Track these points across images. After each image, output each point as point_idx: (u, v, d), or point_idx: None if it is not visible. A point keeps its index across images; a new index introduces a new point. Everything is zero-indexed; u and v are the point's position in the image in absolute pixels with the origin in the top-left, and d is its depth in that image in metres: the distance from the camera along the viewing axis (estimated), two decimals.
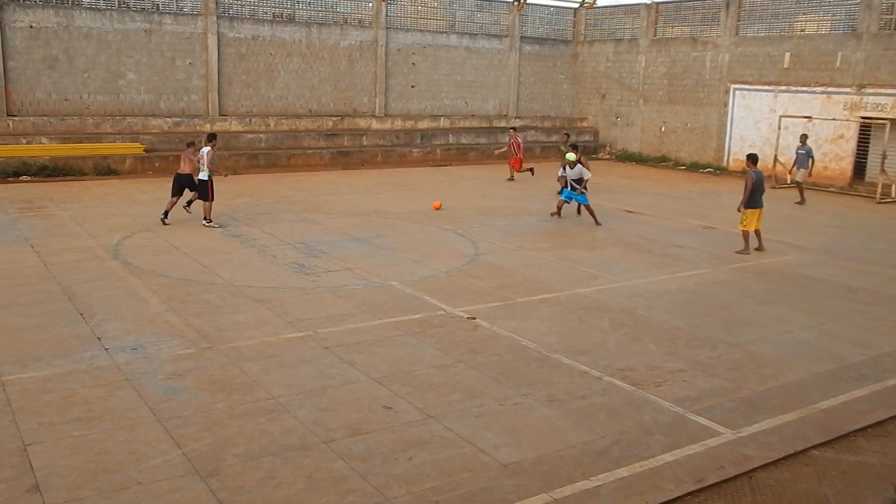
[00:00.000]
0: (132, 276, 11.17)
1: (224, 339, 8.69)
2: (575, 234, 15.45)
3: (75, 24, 21.98)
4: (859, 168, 23.13)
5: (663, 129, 28.74)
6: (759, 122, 25.57)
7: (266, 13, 25.23)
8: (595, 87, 31.25)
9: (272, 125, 25.20)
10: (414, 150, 26.83)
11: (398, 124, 27.74)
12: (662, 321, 9.96)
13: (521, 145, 22.67)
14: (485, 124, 29.73)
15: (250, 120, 24.83)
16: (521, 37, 30.27)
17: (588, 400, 7.42)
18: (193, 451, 6.13)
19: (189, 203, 15.20)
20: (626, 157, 29.49)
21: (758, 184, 13.81)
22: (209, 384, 7.44)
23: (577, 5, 31.60)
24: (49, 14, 21.61)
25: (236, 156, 23.05)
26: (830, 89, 23.58)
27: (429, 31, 28.42)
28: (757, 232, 14.11)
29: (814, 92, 23.95)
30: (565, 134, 23.60)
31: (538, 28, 31.17)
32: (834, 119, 23.22)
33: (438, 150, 27.26)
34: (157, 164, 21.81)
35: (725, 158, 26.73)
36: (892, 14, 22.54)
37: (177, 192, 14.91)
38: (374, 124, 27.26)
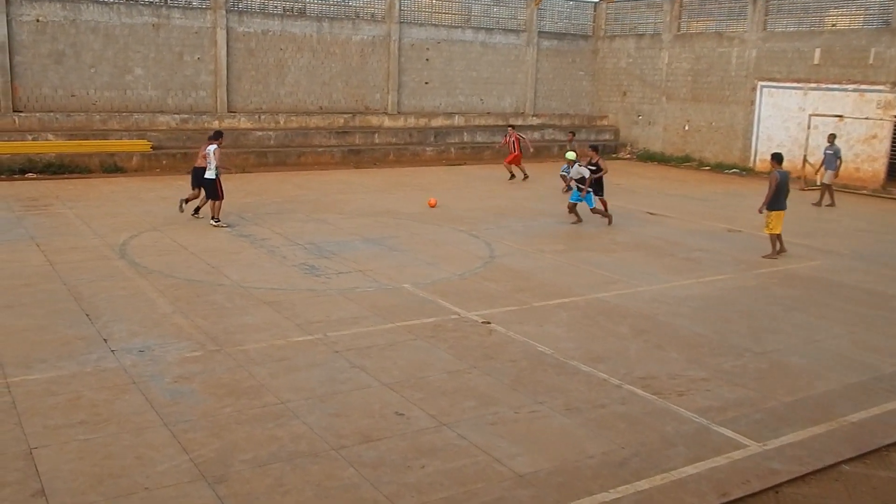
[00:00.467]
0: (139, 276, 11.28)
1: (232, 341, 8.75)
2: (593, 236, 15.43)
3: (82, 17, 22.19)
4: (893, 169, 22.94)
5: (687, 127, 28.64)
6: (787, 121, 25.43)
7: (276, 7, 25.38)
8: (616, 85, 31.19)
9: (282, 122, 25.33)
10: (427, 149, 26.88)
11: (411, 122, 27.81)
12: (685, 328, 9.94)
13: (521, 143, 22.47)
14: (501, 122, 29.69)
15: (259, 117, 24.97)
16: (539, 32, 30.26)
17: (607, 409, 7.42)
18: (201, 457, 6.18)
19: (197, 210, 15.34)
20: (648, 157, 29.41)
21: (782, 185, 13.74)
22: (217, 388, 7.50)
23: None
24: (56, 8, 21.84)
25: (245, 154, 23.19)
26: (863, 87, 23.41)
27: (443, 25, 28.48)
28: (777, 235, 14.04)
29: (845, 90, 23.79)
30: (570, 132, 23.53)
31: (556, 23, 31.15)
32: (867, 118, 23.06)
33: (453, 149, 27.29)
34: (164, 162, 21.97)
35: (752, 159, 26.60)
36: None
37: (196, 184, 15.30)
38: (387, 122, 27.34)
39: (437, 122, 28.29)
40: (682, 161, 28.37)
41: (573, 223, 16.40)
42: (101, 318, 9.34)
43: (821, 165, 20.69)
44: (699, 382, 8.15)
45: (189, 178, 15.85)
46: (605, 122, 31.60)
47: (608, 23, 31.64)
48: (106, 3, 22.54)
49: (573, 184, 16.66)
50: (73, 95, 22.40)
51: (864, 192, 22.70)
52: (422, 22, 27.97)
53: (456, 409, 7.27)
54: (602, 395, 7.74)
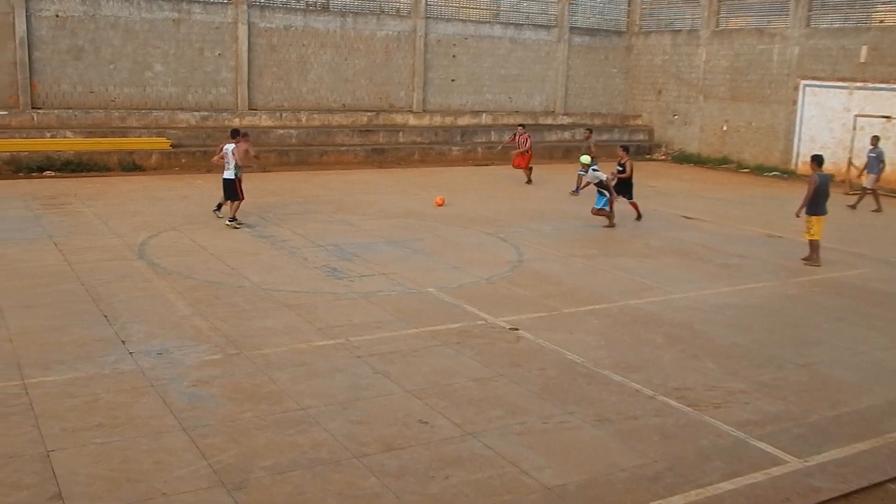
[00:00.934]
0: (158, 277, 11.42)
1: (252, 345, 8.83)
2: (627, 241, 15.36)
3: (102, 12, 22.52)
4: None
5: (725, 128, 28.42)
6: (831, 121, 25.13)
7: (299, 2, 25.58)
8: (650, 82, 31.03)
9: (304, 120, 25.50)
10: (453, 149, 26.92)
11: (437, 120, 27.86)
12: (722, 337, 9.86)
13: (529, 142, 22.23)
14: (530, 121, 29.61)
15: (281, 115, 25.17)
16: (571, 27, 30.21)
17: (640, 421, 7.38)
18: (220, 463, 6.25)
19: (219, 206, 15.53)
20: (684, 159, 29.21)
21: (821, 188, 13.57)
22: (236, 392, 7.57)
23: None
24: (75, 2, 22.18)
25: (266, 152, 23.33)
26: None
27: (471, 20, 28.52)
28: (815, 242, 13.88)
29: (894, 89, 23.46)
30: (587, 130, 23.33)
31: (589, 18, 31.08)
32: None
33: (479, 149, 27.30)
34: (183, 161, 22.22)
35: (793, 161, 26.30)
36: None
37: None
38: (412, 120, 27.42)
39: (464, 120, 28.31)
40: (720, 163, 28.15)
41: (606, 225, 16.34)
42: (120, 320, 9.47)
43: (863, 169, 20.43)
44: (737, 394, 8.09)
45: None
46: (638, 122, 31.45)
47: (643, 18, 31.50)
48: None
49: (589, 187, 16.60)
50: (91, 92, 22.73)
51: None
52: (449, 17, 28.03)
53: (482, 418, 7.27)
54: (635, 406, 7.70)
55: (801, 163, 25.72)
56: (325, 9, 26.00)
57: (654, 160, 29.43)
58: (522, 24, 29.40)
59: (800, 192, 14.49)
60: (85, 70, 22.55)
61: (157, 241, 13.62)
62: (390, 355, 8.71)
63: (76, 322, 9.34)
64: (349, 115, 26.33)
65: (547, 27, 29.83)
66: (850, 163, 22.91)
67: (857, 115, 23.69)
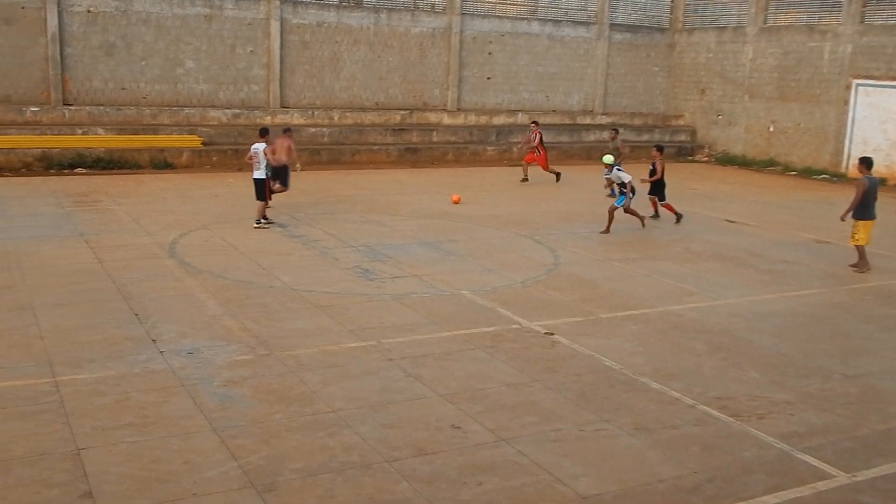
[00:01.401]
0: (188, 276, 11.61)
1: (283, 346, 8.95)
2: (667, 244, 15.28)
3: (134, 8, 22.93)
4: None
5: (771, 129, 28.10)
6: (885, 122, 24.73)
7: None
8: (694, 81, 30.80)
9: (336, 118, 25.71)
10: (488, 148, 26.95)
11: (471, 119, 27.92)
12: (767, 346, 9.79)
13: (538, 138, 22.06)
14: (567, 121, 29.65)
15: (313, 113, 25.40)
16: (611, 24, 30.10)
17: (679, 430, 7.36)
18: (250, 464, 6.35)
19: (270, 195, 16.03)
20: (728, 160, 28.95)
21: (870, 192, 13.39)
22: (267, 394, 7.69)
23: None
24: None
25: (297, 151, 23.45)
26: None
27: (508, 17, 28.56)
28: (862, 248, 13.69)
29: None
30: (613, 129, 23.10)
31: (630, 14, 30.95)
32: None
33: (515, 149, 27.24)
34: (214, 159, 22.54)
35: (844, 164, 25.93)
36: None
37: (274, 177, 16.03)
38: (446, 119, 27.51)
39: (499, 119, 28.34)
40: (766, 165, 27.85)
41: (643, 225, 16.26)
42: (150, 319, 9.65)
43: None
44: (781, 405, 8.02)
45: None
46: (680, 122, 31.22)
47: (686, 15, 31.28)
48: None
49: (615, 188, 16.49)
50: (123, 88, 23.15)
51: None
52: (485, 13, 28.10)
53: (516, 423, 7.31)
54: (674, 415, 7.68)
55: (852, 165, 25.33)
56: (359, 4, 26.20)
57: (696, 162, 29.21)
58: (561, 21, 29.36)
59: (850, 196, 14.29)
60: (116, 66, 22.98)
61: (188, 239, 13.84)
62: (422, 358, 8.77)
63: (107, 320, 9.54)
64: (382, 113, 26.49)
65: (586, 24, 29.76)
66: None
67: None
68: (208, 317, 9.86)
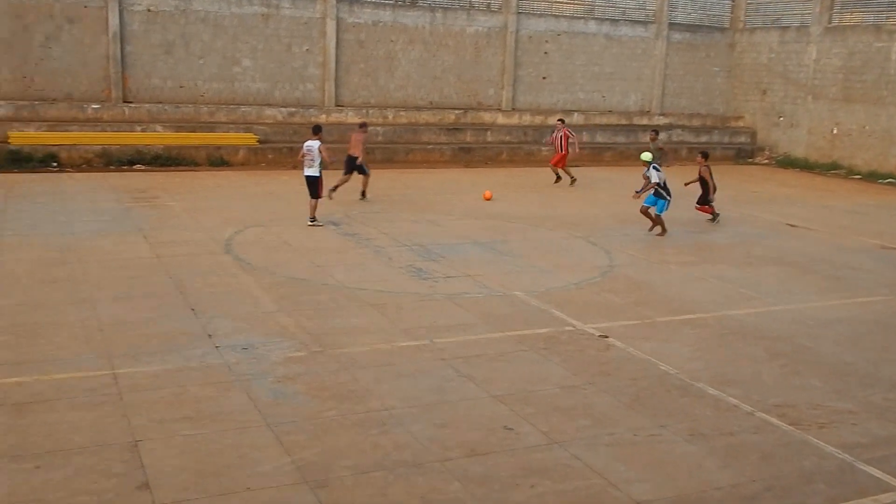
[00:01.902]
0: (244, 272, 11.80)
1: (336, 343, 9.04)
2: (726, 248, 15.05)
3: (192, 7, 23.36)
4: None
5: (835, 131, 27.45)
6: None
7: None
8: (755, 82, 30.24)
9: (390, 118, 25.85)
10: (543, 149, 26.72)
11: (526, 119, 27.83)
12: (829, 354, 9.57)
13: (570, 140, 21.53)
14: (624, 121, 29.36)
15: (367, 112, 25.55)
16: (670, 23, 29.72)
17: (737, 437, 7.24)
18: (303, 460, 6.43)
19: (334, 187, 17.02)
20: (789, 163, 28.36)
21: None
22: (320, 390, 7.77)
23: None
24: None
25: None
26: None
27: (564, 16, 28.39)
28: None
29: None
30: (653, 131, 22.50)
31: (690, 13, 30.52)
32: None
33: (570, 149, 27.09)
34: (269, 157, 22.85)
35: None
36: None
37: (348, 170, 17.52)
38: (500, 119, 27.47)
39: (554, 119, 28.04)
40: (829, 168, 27.21)
41: (659, 234, 15.69)
42: (206, 314, 9.83)
43: None
44: (844, 415, 7.84)
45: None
46: (740, 124, 30.69)
47: (748, 14, 30.72)
48: None
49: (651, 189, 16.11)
50: (181, 87, 23.60)
51: None
52: (541, 12, 27.98)
53: (569, 426, 7.27)
54: (732, 421, 7.56)
55: None
56: (414, 4, 26.31)
57: (756, 164, 28.69)
58: (618, 20, 29.09)
59: None
60: (175, 64, 23.44)
61: (243, 236, 14.06)
62: (475, 359, 8.78)
63: (164, 315, 9.75)
64: (436, 112, 26.55)
65: (644, 23, 29.43)
66: None
67: None
68: (263, 313, 10.01)
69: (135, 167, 21.10)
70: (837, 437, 7.35)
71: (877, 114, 26.11)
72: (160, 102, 23.29)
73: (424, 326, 9.75)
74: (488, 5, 27.24)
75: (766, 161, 29.17)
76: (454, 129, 26.34)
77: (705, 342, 9.75)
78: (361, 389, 7.84)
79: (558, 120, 22.69)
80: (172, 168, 21.30)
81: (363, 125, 18.28)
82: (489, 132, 26.77)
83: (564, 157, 21.72)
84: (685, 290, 12.03)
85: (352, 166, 17.59)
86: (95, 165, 20.92)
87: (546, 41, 27.99)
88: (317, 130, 15.48)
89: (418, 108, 26.41)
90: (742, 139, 29.96)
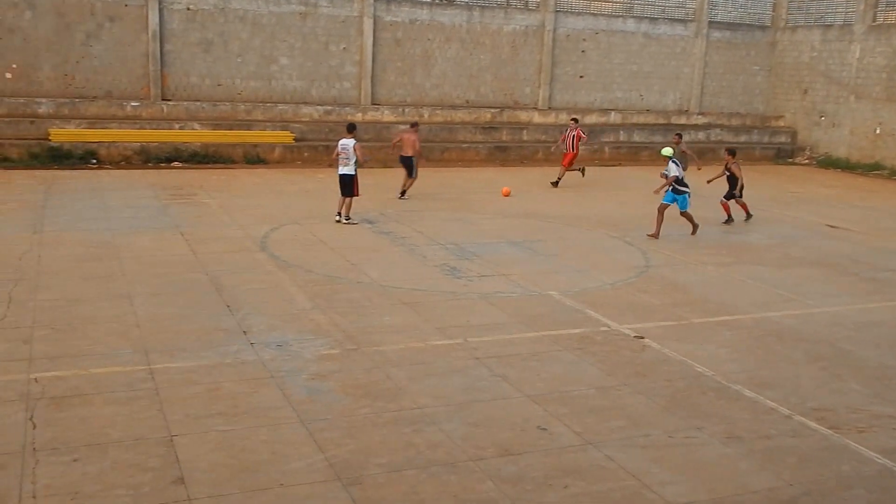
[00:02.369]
0: (279, 269, 11.89)
1: (370, 341, 9.07)
2: (764, 249, 14.84)
3: (231, 6, 23.60)
4: None
5: (878, 131, 26.95)
6: None
7: None
8: (796, 81, 29.80)
9: (426, 116, 25.87)
10: (579, 148, 26.63)
11: (562, 118, 27.62)
12: (870, 357, 9.40)
13: (581, 141, 21.14)
14: (661, 120, 29.09)
15: (403, 110, 25.63)
16: (710, 21, 29.40)
17: (774, 441, 7.14)
18: (336, 457, 6.46)
19: (403, 192, 17.87)
20: (830, 163, 27.91)
21: None
22: (354, 388, 7.80)
23: None
24: None
25: (388, 147, 23.82)
26: None
27: (602, 14, 28.22)
28: None
29: None
30: (677, 134, 22.02)
31: (730, 12, 30.16)
32: None
33: (607, 148, 26.97)
34: (305, 155, 23.00)
35: None
36: None
37: (409, 172, 17.99)
38: (536, 118, 27.37)
39: (591, 118, 27.98)
40: (871, 169, 26.73)
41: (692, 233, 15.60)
42: (241, 310, 9.92)
43: None
44: (885, 419, 7.70)
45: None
46: (780, 123, 30.26)
47: (790, 12, 30.29)
48: None
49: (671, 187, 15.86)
50: (219, 85, 23.86)
51: None
52: (579, 11, 27.83)
53: (603, 427, 7.22)
54: (769, 424, 7.46)
55: None
56: (451, 2, 26.32)
57: (796, 164, 28.28)
58: (657, 18, 28.84)
59: None
60: (213, 63, 23.70)
61: (279, 234, 14.17)
62: (509, 358, 8.76)
63: (200, 311, 9.85)
64: (472, 111, 26.53)
65: (684, 21, 29.15)
66: None
67: None
68: (297, 310, 10.07)
69: (172, 164, 21.37)
70: (877, 441, 7.22)
71: None
72: (198, 100, 23.56)
73: (458, 325, 9.75)
74: (526, 4, 27.18)
75: (807, 161, 28.73)
76: (490, 127, 26.30)
77: (742, 344, 9.63)
78: (395, 387, 7.86)
79: (571, 119, 22.37)
80: (209, 165, 21.54)
81: (415, 125, 18.51)
82: (525, 131, 26.70)
83: (574, 157, 21.29)
84: (722, 291, 11.89)
85: (409, 166, 18.01)
86: (134, 162, 21.23)
87: (584, 39, 27.83)
88: (351, 129, 15.50)
89: (454, 107, 26.40)
90: (782, 139, 29.55)
